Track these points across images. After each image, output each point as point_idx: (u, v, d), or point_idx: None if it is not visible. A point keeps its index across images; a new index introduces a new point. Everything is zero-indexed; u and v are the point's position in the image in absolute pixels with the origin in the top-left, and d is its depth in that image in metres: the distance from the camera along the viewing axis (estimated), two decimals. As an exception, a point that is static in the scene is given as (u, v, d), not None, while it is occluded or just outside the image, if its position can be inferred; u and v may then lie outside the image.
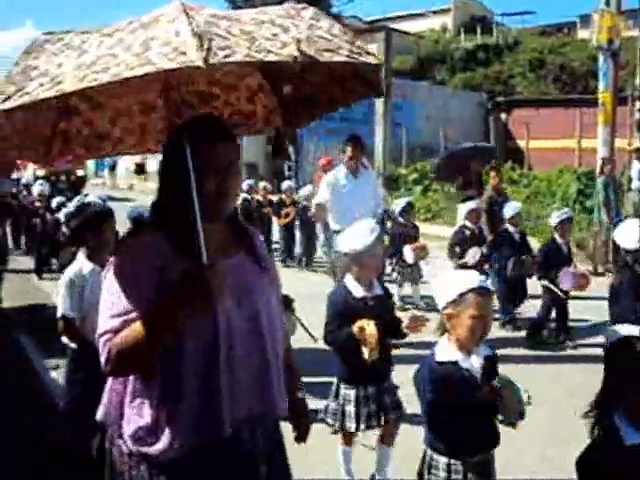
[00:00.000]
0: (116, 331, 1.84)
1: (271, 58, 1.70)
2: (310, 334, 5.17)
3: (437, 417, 2.70)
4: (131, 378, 1.94)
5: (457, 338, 2.70)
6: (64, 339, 3.78)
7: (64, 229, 8.01)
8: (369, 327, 3.40)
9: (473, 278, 2.71)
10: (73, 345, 3.74)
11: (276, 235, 11.94)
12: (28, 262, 11.14)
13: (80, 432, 3.43)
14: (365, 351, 3.41)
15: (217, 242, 1.96)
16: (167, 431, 1.87)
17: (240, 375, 1.94)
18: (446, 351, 2.72)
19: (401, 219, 7.88)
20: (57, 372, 5.75)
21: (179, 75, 2.20)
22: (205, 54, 1.56)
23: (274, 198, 11.99)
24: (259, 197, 11.71)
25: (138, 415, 1.91)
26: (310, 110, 2.42)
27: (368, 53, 1.90)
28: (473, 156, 8.48)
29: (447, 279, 2.80)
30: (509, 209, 7.46)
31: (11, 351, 6.43)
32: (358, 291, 3.65)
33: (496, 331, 6.37)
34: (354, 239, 3.64)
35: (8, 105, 1.61)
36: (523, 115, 22.88)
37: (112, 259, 1.97)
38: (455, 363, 2.69)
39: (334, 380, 3.75)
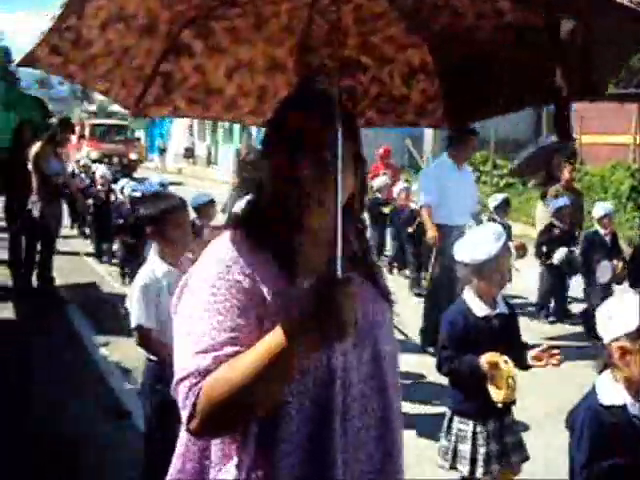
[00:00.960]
0: (205, 373, 1.31)
1: None
2: (402, 332, 4.95)
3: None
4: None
5: (628, 377, 2.22)
6: (141, 350, 3.32)
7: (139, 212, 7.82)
8: (507, 366, 2.87)
9: None
10: (153, 357, 3.21)
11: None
12: (81, 243, 11.09)
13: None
14: (496, 393, 2.89)
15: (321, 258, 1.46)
16: None
17: (357, 437, 1.44)
18: (612, 391, 2.25)
19: (497, 217, 7.28)
20: (107, 349, 5.85)
21: (329, 30, 1.72)
22: None
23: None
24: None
25: None
26: (485, 103, 1.80)
27: None
28: (555, 151, 8.05)
29: (622, 305, 2.29)
30: (599, 209, 6.80)
31: (62, 328, 6.45)
32: (480, 309, 3.10)
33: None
34: (476, 247, 3.09)
35: None
36: (576, 109, 22.21)
37: (191, 271, 1.47)
38: (623, 408, 2.22)
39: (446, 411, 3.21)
